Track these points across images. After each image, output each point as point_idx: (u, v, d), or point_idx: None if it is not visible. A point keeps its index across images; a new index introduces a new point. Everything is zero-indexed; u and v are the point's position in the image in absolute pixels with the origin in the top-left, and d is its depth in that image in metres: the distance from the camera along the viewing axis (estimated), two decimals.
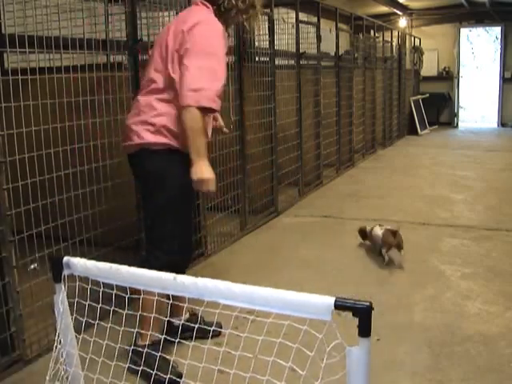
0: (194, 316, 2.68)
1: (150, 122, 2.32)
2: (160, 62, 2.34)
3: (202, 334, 2.41)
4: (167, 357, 2.09)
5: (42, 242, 2.67)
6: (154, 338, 2.25)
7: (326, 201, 5.71)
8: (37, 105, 2.63)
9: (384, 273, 3.60)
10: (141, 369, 1.86)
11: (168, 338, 1.78)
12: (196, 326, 2.38)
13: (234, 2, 2.39)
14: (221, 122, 2.81)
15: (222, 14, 2.40)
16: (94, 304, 1.61)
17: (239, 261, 3.95)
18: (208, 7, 2.38)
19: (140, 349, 2.14)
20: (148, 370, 1.90)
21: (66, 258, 1.51)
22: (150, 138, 2.32)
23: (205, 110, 2.23)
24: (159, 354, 1.73)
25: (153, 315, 1.87)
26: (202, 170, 2.24)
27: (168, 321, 2.50)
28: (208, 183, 2.27)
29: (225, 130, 2.85)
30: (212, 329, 2.36)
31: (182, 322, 2.54)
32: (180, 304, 2.11)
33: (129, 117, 2.44)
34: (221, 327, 2.57)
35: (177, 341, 1.75)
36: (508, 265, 3.72)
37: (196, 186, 2.28)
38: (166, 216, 2.39)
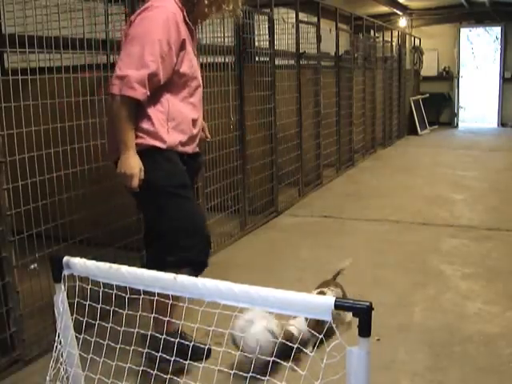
0: (180, 337, 2.30)
1: None
2: None
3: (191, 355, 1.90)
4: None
5: (42, 242, 2.67)
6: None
7: (326, 201, 5.71)
8: (37, 105, 2.63)
9: (384, 273, 3.60)
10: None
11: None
12: (191, 344, 2.15)
13: None
14: (205, 131, 2.66)
15: (186, 2, 2.29)
16: (94, 304, 1.60)
17: (239, 261, 3.95)
18: None
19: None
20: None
21: (65, 258, 1.51)
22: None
23: (128, 99, 2.12)
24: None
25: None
26: (125, 164, 2.16)
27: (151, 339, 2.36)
28: (127, 179, 2.17)
29: (207, 139, 2.70)
30: (206, 347, 2.28)
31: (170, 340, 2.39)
32: (163, 319, 1.99)
33: None
34: (210, 350, 2.36)
35: (172, 359, 1.73)
36: (508, 265, 3.71)
37: (120, 180, 2.21)
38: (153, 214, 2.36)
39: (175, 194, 2.28)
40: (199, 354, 2.33)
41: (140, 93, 2.12)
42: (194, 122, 2.35)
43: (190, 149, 2.36)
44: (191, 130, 2.33)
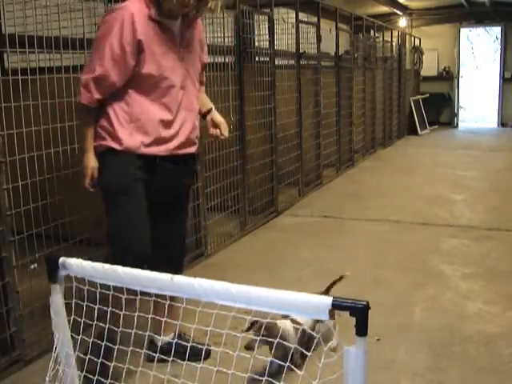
0: (179, 337, 2.42)
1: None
2: None
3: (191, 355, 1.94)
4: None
5: (42, 242, 2.68)
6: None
7: (326, 201, 5.71)
8: (37, 105, 2.63)
9: (384, 273, 3.60)
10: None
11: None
12: (189, 344, 2.14)
13: None
14: (221, 128, 2.49)
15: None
16: (91, 305, 1.60)
17: (239, 261, 3.95)
18: None
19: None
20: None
21: (62, 259, 1.49)
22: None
23: (79, 103, 2.21)
24: None
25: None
26: (83, 164, 2.25)
27: (150, 340, 2.35)
28: (84, 172, 2.25)
29: (221, 137, 2.53)
30: (205, 348, 2.27)
31: (170, 340, 2.41)
32: (160, 319, 1.99)
33: None
34: (209, 351, 2.38)
35: (171, 359, 1.74)
36: (508, 265, 3.71)
37: None
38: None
39: (116, 198, 2.27)
40: (197, 355, 2.33)
41: (84, 97, 2.16)
42: (165, 123, 2.25)
43: (160, 150, 2.26)
44: (158, 131, 2.24)
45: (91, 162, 2.24)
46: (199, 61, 2.42)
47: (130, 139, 2.20)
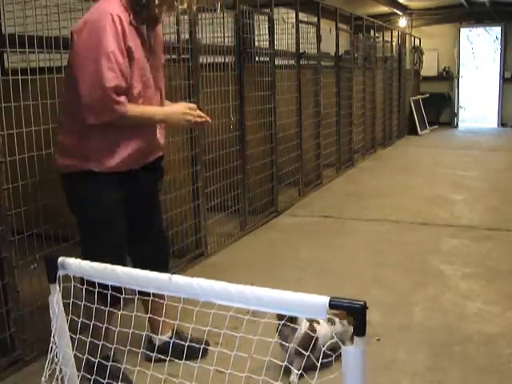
0: (177, 335, 2.46)
1: (59, 140, 2.19)
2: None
3: (188, 354, 2.01)
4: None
5: (42, 242, 2.68)
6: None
7: (326, 201, 5.71)
8: (37, 105, 2.63)
9: (384, 273, 3.60)
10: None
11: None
12: (186, 343, 2.12)
13: None
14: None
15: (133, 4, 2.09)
16: (89, 304, 1.60)
17: (239, 261, 3.95)
18: None
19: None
20: None
21: (60, 259, 1.49)
22: (59, 160, 2.18)
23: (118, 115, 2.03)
24: None
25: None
26: (172, 112, 2.22)
27: (148, 339, 2.37)
28: (185, 123, 2.25)
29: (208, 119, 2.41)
30: (202, 347, 2.24)
31: (166, 339, 2.42)
32: (158, 319, 2.01)
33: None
34: (208, 345, 2.36)
35: (168, 358, 1.74)
36: (508, 265, 3.71)
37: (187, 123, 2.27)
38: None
39: (94, 225, 2.23)
40: (195, 353, 2.33)
41: (121, 110, 2.01)
42: (152, 134, 2.24)
43: (139, 163, 2.23)
44: (142, 145, 2.20)
45: (175, 105, 2.28)
46: (161, 64, 2.34)
47: (110, 161, 2.13)
